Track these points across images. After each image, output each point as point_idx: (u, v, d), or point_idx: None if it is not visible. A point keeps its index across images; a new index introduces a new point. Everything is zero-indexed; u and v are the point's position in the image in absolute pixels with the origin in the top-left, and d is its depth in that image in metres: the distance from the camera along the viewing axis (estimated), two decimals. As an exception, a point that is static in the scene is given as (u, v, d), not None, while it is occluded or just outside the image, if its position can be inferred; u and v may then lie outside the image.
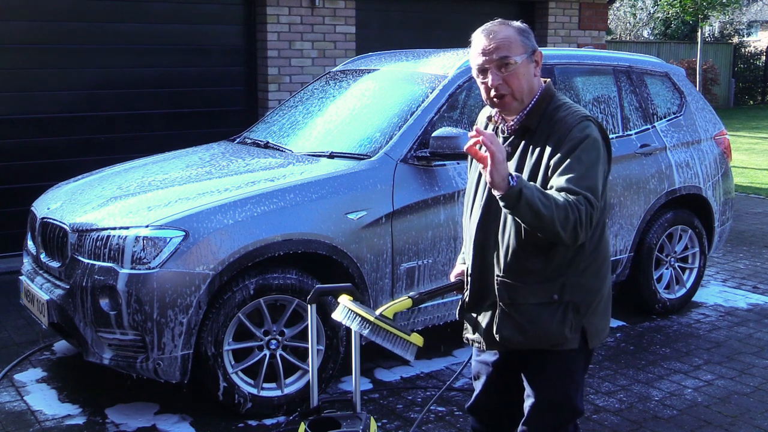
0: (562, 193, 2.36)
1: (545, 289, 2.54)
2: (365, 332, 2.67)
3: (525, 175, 2.51)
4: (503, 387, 2.82)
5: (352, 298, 2.83)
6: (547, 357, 2.63)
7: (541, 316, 2.55)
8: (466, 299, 2.75)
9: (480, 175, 2.63)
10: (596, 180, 2.40)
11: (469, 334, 2.79)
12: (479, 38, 2.55)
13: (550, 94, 2.57)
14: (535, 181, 2.48)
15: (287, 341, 4.09)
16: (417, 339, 2.67)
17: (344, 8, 8.18)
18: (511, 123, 2.58)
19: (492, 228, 2.60)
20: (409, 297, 2.81)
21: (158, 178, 4.53)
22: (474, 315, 2.73)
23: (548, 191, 2.37)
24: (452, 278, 2.89)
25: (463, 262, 2.88)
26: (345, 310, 2.74)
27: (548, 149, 2.47)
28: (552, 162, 2.45)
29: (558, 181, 2.40)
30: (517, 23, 2.58)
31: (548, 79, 2.64)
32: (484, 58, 2.52)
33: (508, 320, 2.61)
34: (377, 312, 2.69)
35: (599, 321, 2.63)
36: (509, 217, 2.53)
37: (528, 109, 2.55)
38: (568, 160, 2.41)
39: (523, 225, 2.43)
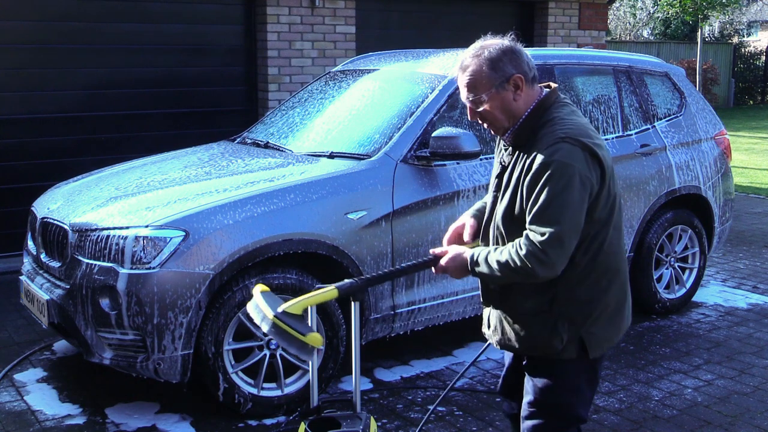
0: (512, 243, 2.48)
1: (536, 300, 2.58)
2: (266, 329, 2.55)
3: (508, 193, 2.55)
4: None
5: (267, 289, 2.67)
6: (544, 363, 2.65)
7: (531, 326, 2.60)
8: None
9: (498, 170, 2.67)
10: (561, 209, 2.39)
11: (485, 328, 2.85)
12: (458, 70, 2.60)
13: (544, 107, 2.56)
14: (514, 200, 2.53)
15: (287, 341, 4.08)
16: (314, 339, 2.52)
17: (344, 8, 8.18)
18: (505, 138, 2.64)
19: (490, 233, 2.66)
20: (336, 287, 2.67)
21: (158, 178, 4.53)
22: (487, 311, 2.80)
23: (498, 250, 2.52)
24: (445, 241, 2.85)
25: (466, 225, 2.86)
26: (253, 303, 2.57)
27: (524, 171, 2.50)
28: (524, 189, 2.49)
29: (527, 215, 2.47)
30: (494, 48, 2.54)
31: (547, 90, 2.61)
32: (460, 92, 2.60)
33: (504, 326, 2.68)
34: (281, 308, 2.55)
35: (602, 330, 2.60)
36: (501, 227, 2.59)
37: (516, 127, 2.57)
38: (535, 191, 2.44)
39: (510, 236, 2.55)
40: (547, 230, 2.40)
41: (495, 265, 2.50)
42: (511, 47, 2.55)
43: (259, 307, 2.58)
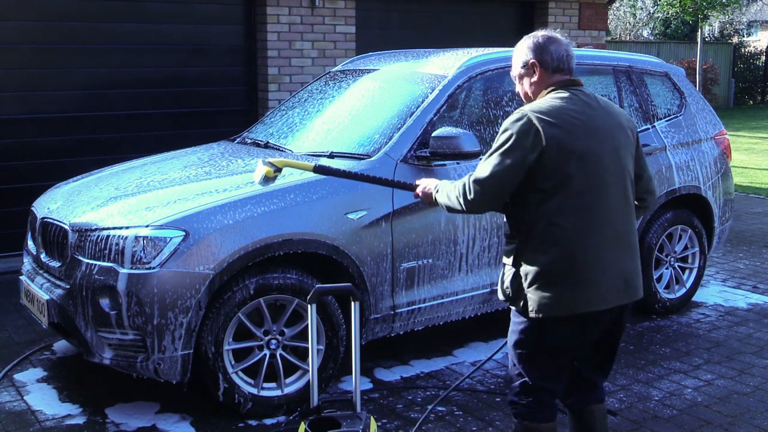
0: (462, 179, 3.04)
1: (508, 250, 2.98)
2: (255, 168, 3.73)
3: None
4: None
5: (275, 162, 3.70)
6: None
7: (503, 273, 3.01)
8: None
9: None
10: (488, 163, 2.87)
11: None
12: None
13: (545, 93, 2.97)
14: None
15: (287, 341, 4.09)
16: (268, 170, 3.63)
17: (344, 8, 8.18)
18: None
19: None
20: (314, 164, 3.73)
21: (158, 178, 4.53)
22: None
23: (453, 183, 3.09)
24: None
25: None
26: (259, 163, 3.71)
27: None
28: None
29: None
30: (531, 38, 3.03)
31: (554, 87, 2.95)
32: None
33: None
34: (269, 159, 3.69)
35: (540, 295, 2.85)
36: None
37: None
38: None
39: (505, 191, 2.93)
40: (476, 175, 2.91)
41: (446, 192, 3.10)
42: (541, 41, 2.99)
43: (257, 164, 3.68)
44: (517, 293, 2.93)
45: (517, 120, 2.84)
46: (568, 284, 2.83)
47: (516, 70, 3.07)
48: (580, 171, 2.82)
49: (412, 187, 3.53)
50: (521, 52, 3.03)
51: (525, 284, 2.89)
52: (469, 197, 2.94)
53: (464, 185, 2.96)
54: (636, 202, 3.08)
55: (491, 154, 2.87)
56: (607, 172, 2.87)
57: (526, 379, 2.98)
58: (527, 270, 2.88)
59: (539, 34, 3.02)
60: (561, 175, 2.80)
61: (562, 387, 3.07)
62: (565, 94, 2.92)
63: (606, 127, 2.91)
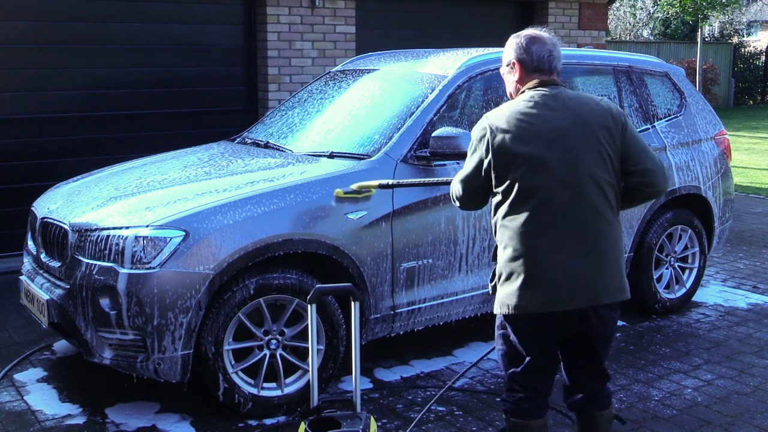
0: None
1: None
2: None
3: None
4: None
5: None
6: None
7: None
8: None
9: None
10: (463, 167, 3.07)
11: None
12: None
13: (518, 93, 3.03)
14: None
15: (287, 341, 4.09)
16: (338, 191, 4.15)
17: (344, 8, 8.18)
18: None
19: None
20: (379, 183, 4.16)
21: (158, 178, 4.53)
22: None
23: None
24: None
25: None
26: None
27: None
28: None
29: None
30: (516, 37, 3.07)
31: (526, 88, 2.99)
32: None
33: None
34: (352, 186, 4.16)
35: (501, 293, 2.96)
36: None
37: None
38: None
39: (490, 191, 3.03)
40: (457, 176, 3.12)
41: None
42: (523, 41, 3.02)
43: None
44: (492, 289, 3.09)
45: (477, 126, 2.99)
46: (519, 284, 2.88)
47: (502, 68, 3.14)
48: (527, 175, 2.85)
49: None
50: (506, 51, 3.09)
51: (496, 281, 3.02)
52: (451, 196, 3.22)
53: (452, 184, 3.18)
54: (634, 192, 2.98)
55: (466, 158, 3.07)
56: (557, 176, 2.82)
57: (507, 375, 3.09)
58: (496, 268, 3.02)
59: (523, 34, 3.05)
60: (509, 179, 2.88)
61: (548, 387, 3.08)
62: (527, 96, 2.96)
63: (565, 129, 2.86)
